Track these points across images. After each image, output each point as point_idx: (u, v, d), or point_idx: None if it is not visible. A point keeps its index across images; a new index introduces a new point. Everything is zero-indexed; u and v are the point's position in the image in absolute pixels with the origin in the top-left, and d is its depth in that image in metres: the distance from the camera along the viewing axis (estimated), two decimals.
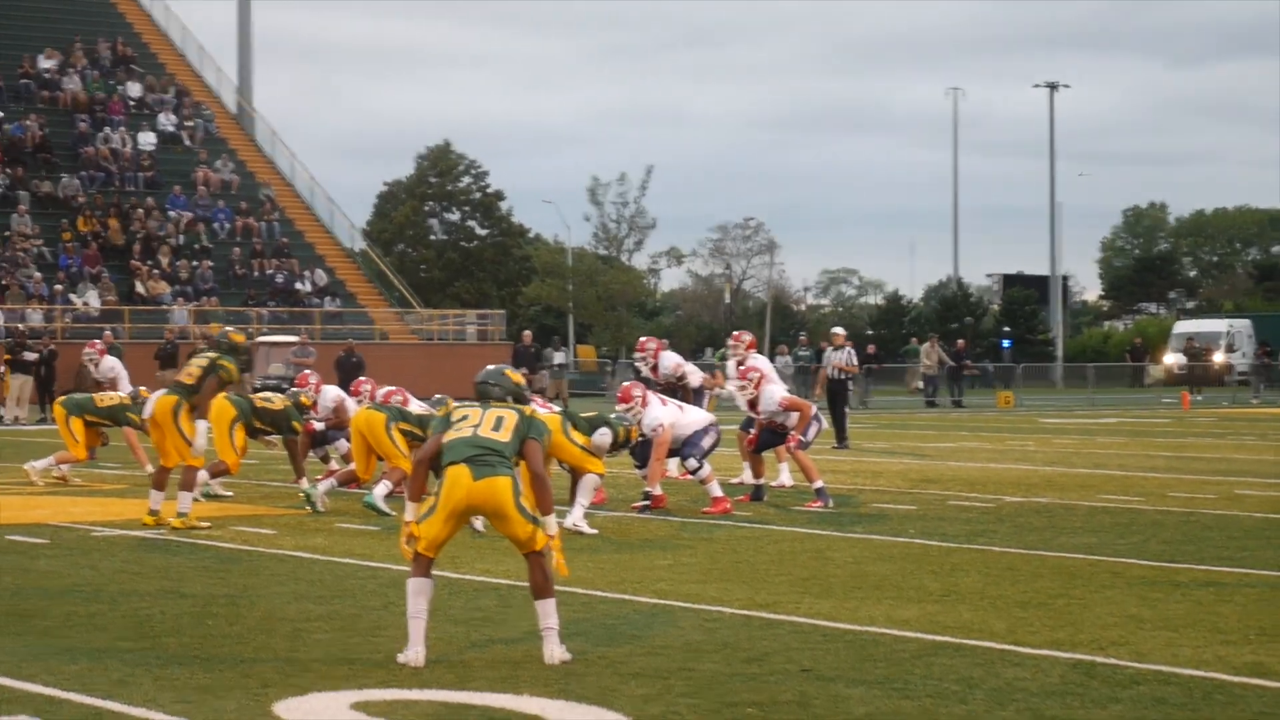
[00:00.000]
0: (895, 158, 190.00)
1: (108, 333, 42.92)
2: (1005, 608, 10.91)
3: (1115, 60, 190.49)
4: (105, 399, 21.16)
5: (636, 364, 21.74)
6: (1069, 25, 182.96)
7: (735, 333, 20.26)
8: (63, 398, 21.51)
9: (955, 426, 37.07)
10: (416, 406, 17.76)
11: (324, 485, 17.47)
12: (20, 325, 46.19)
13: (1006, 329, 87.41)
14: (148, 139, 61.83)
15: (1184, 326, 76.33)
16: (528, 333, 49.05)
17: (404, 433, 16.99)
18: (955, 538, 14.88)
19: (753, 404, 18.46)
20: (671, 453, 17.36)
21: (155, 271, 55.71)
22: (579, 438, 15.83)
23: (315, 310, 56.24)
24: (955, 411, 47.48)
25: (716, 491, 17.10)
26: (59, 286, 53.04)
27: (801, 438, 17.94)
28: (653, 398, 17.20)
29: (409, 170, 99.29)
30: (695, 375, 21.40)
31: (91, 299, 53.28)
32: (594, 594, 11.42)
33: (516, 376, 9.75)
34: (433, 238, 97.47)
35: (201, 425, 16.04)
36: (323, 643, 9.63)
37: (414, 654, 8.94)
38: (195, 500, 16.12)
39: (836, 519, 16.54)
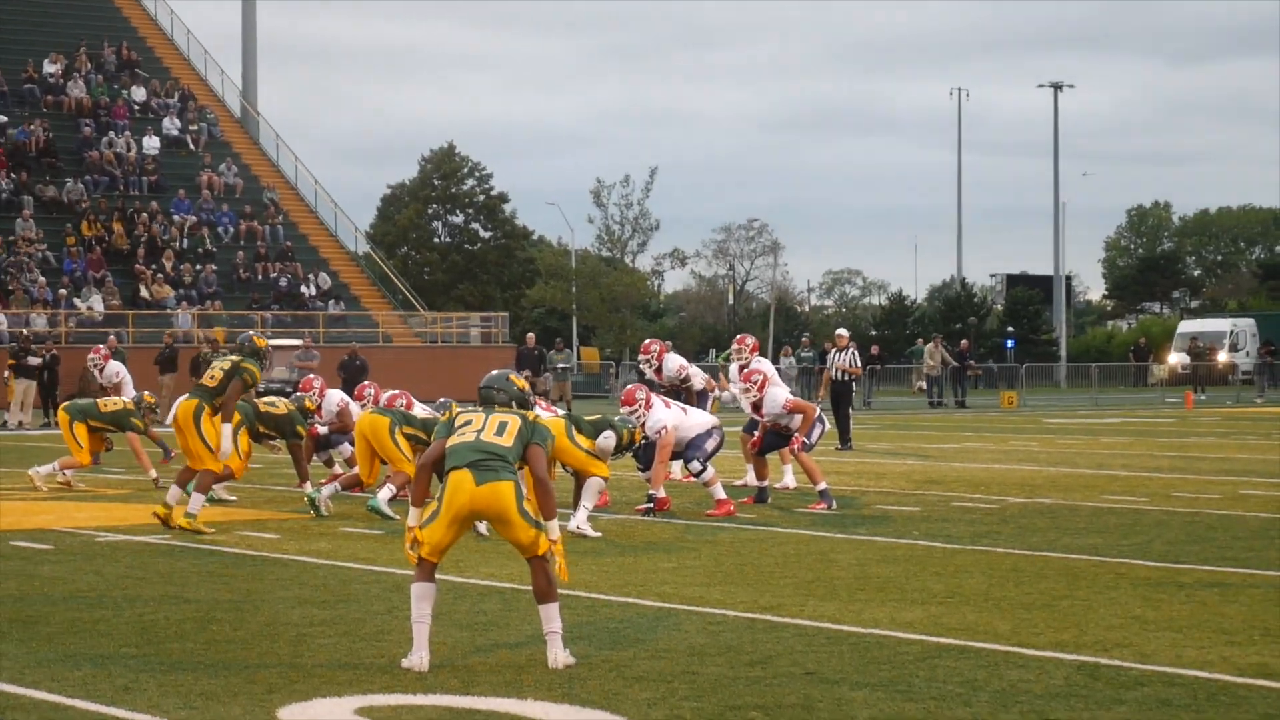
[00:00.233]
0: (899, 158, 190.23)
1: (112, 338, 42.90)
2: (1009, 609, 10.91)
3: (1119, 60, 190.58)
4: (109, 404, 21.18)
5: (640, 366, 21.74)
6: (1073, 25, 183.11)
7: (739, 336, 20.22)
8: (66, 403, 21.53)
9: (959, 427, 37.06)
10: (420, 410, 17.77)
11: (327, 490, 17.47)
12: (24, 330, 46.20)
13: (1010, 329, 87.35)
14: (152, 143, 61.88)
15: (1188, 326, 76.36)
16: (531, 335, 49.05)
17: (408, 437, 16.99)
18: (959, 539, 14.88)
19: (756, 407, 18.46)
20: (675, 455, 17.36)
21: (159, 276, 55.73)
22: (583, 441, 15.83)
23: (319, 314, 56.26)
24: (959, 412, 47.45)
25: (720, 494, 17.10)
26: (63, 291, 53.09)
27: (805, 440, 17.94)
28: (656, 400, 17.20)
29: (413, 173, 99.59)
30: (698, 377, 21.39)
31: (95, 303, 53.30)
32: (598, 597, 11.42)
33: (520, 382, 9.75)
34: (436, 240, 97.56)
35: (226, 428, 16.21)
36: (327, 648, 9.63)
37: (418, 659, 8.95)
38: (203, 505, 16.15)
39: (840, 521, 16.54)
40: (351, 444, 18.82)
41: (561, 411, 17.56)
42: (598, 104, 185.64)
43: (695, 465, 17.08)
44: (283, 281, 57.91)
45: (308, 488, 18.23)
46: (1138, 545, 14.36)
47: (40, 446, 29.39)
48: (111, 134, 61.34)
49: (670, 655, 9.30)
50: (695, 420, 17.32)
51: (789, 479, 19.86)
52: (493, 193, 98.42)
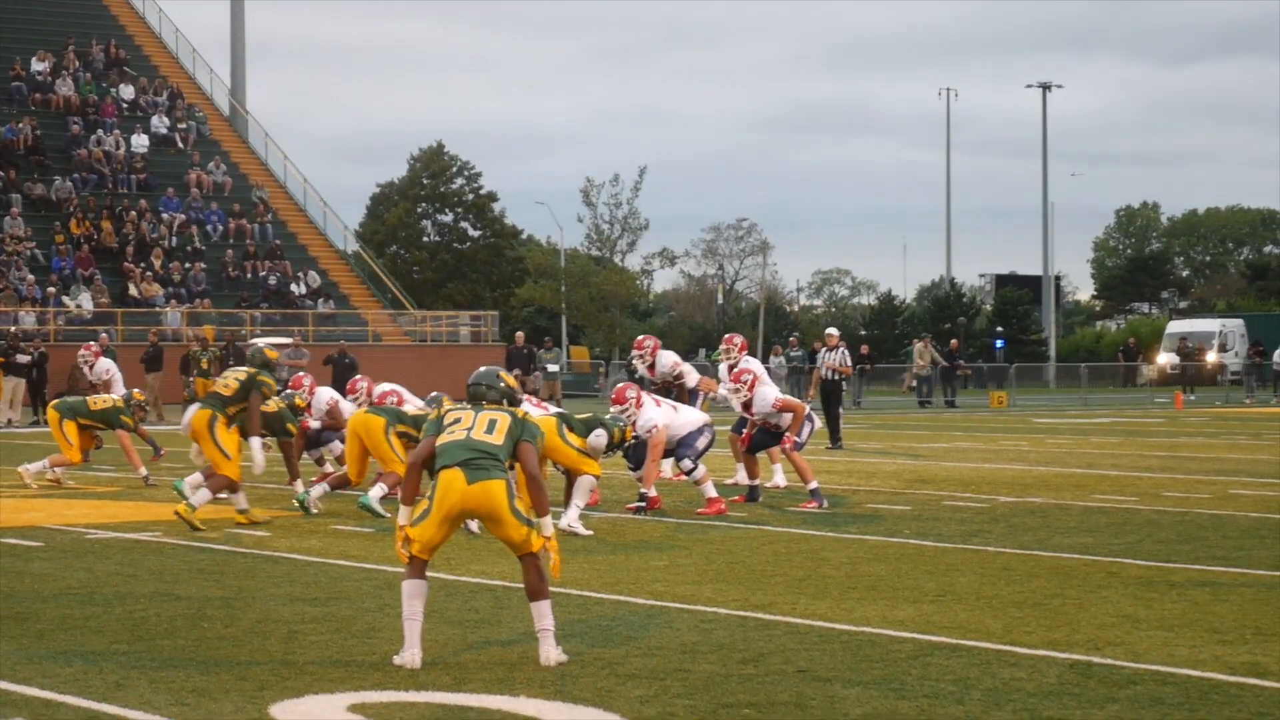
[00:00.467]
0: (888, 158, 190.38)
1: (104, 335, 42.85)
2: (1001, 608, 10.91)
3: (1108, 60, 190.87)
4: (98, 402, 21.14)
5: (633, 362, 21.71)
6: (1061, 25, 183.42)
7: (727, 335, 20.18)
8: (56, 401, 21.49)
9: (949, 427, 37.08)
10: (412, 406, 17.75)
11: (317, 490, 17.42)
12: (13, 328, 46.12)
13: (999, 329, 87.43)
14: (140, 141, 61.80)
15: (1177, 326, 76.43)
16: (520, 334, 49.03)
17: (401, 435, 16.97)
18: (950, 538, 14.88)
19: (747, 406, 18.45)
20: (666, 453, 17.35)
21: (148, 274, 55.68)
22: (574, 439, 15.82)
23: (308, 312, 56.21)
24: (948, 412, 47.48)
25: (711, 492, 17.09)
26: (52, 289, 53.01)
27: (796, 439, 17.94)
28: (647, 399, 17.18)
29: (402, 172, 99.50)
30: (692, 375, 21.38)
31: (84, 301, 53.23)
32: (589, 595, 11.42)
33: (509, 379, 9.73)
34: (426, 239, 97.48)
35: (255, 442, 16.54)
36: (318, 645, 9.62)
37: (411, 656, 8.94)
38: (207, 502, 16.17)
39: (831, 519, 16.53)
40: (342, 441, 18.79)
41: (554, 409, 17.53)
42: (587, 103, 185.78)
43: (687, 464, 17.09)
44: (272, 280, 57.86)
45: (298, 486, 18.21)
46: (1129, 544, 14.37)
47: (30, 444, 29.34)
48: (100, 132, 61.26)
49: (662, 653, 9.30)
50: (686, 418, 17.31)
51: (779, 478, 19.84)
52: (482, 192, 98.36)
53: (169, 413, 39.48)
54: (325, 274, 60.36)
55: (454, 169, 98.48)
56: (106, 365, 25.40)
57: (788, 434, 17.93)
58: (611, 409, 16.88)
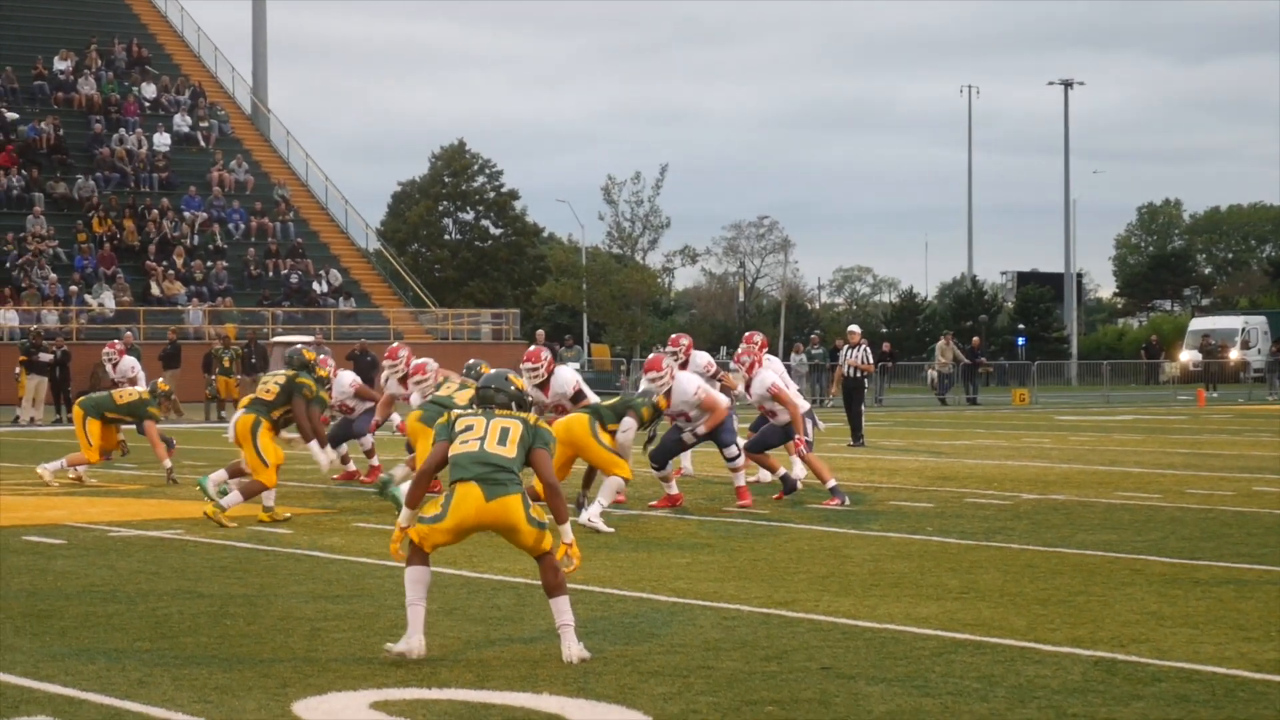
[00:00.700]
0: (909, 156, 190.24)
1: (128, 334, 42.95)
2: (1025, 605, 10.87)
3: (1130, 57, 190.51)
4: (124, 395, 21.20)
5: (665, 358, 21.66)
6: (1083, 22, 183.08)
7: (748, 334, 20.10)
8: (82, 398, 21.55)
9: (971, 424, 37.00)
10: (454, 379, 18.01)
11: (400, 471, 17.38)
12: (35, 326, 46.22)
13: (1021, 326, 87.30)
14: (162, 140, 61.94)
15: (1200, 323, 76.20)
16: (541, 331, 49.03)
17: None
18: (973, 535, 14.84)
19: (747, 387, 18.45)
20: (708, 438, 17.28)
21: (170, 272, 55.79)
22: (606, 439, 15.77)
23: (330, 310, 56.30)
24: (970, 409, 47.40)
25: (740, 481, 17.10)
26: (74, 287, 53.13)
27: (806, 439, 17.85)
28: (681, 372, 17.20)
29: (423, 170, 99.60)
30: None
31: (106, 300, 53.35)
32: (612, 592, 11.40)
33: (519, 381, 9.63)
34: (447, 237, 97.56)
35: (314, 445, 16.75)
36: (341, 642, 9.61)
37: (414, 642, 8.92)
38: (235, 504, 16.15)
39: (854, 517, 16.49)
40: (373, 433, 19.08)
41: (593, 397, 17.41)
42: (609, 101, 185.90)
43: (733, 450, 17.04)
44: (293, 278, 57.94)
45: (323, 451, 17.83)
46: (1153, 542, 14.31)
47: (53, 443, 29.40)
48: (122, 131, 61.40)
49: (685, 650, 9.27)
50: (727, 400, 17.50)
51: (798, 469, 19.75)
52: (503, 190, 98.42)
53: (187, 410, 39.52)
54: (347, 272, 60.43)
55: (475, 167, 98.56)
56: (130, 363, 25.50)
57: (797, 437, 17.76)
58: (646, 376, 16.82)
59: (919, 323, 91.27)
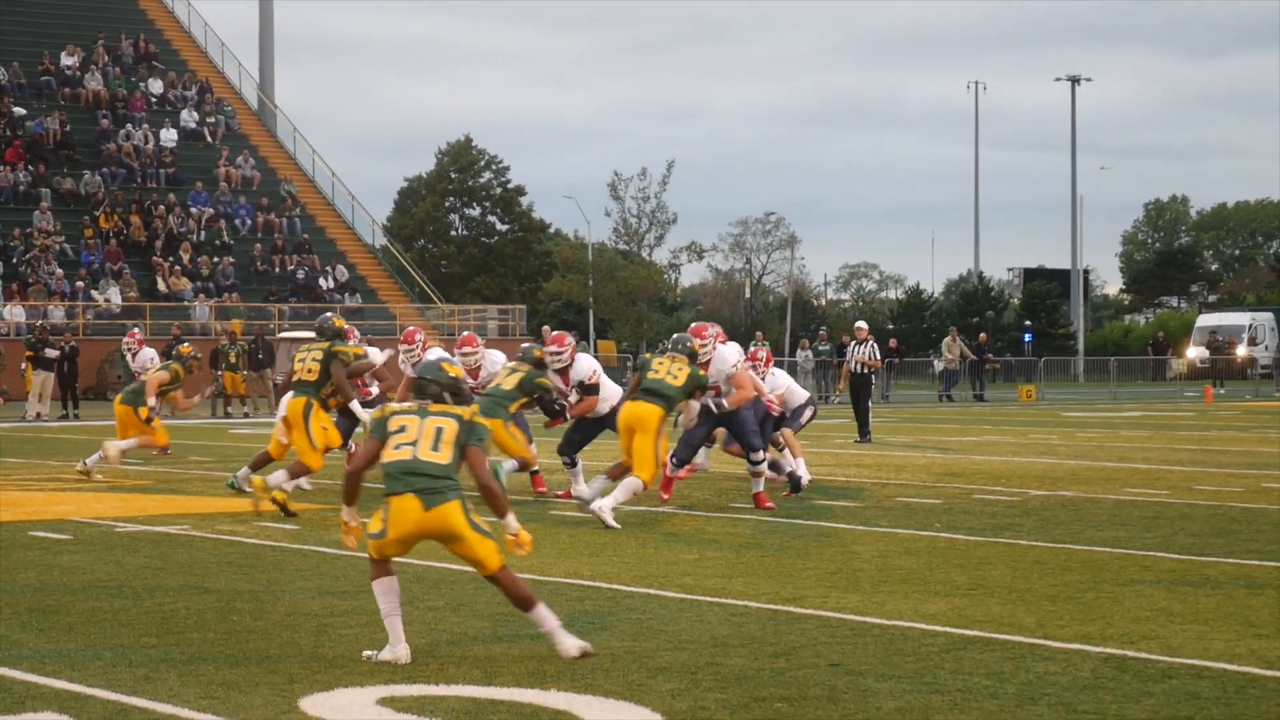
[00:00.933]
0: (916, 152, 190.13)
1: (134, 330, 42.90)
2: (1034, 601, 10.83)
3: (1137, 53, 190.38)
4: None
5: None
6: (1090, 18, 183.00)
7: (757, 333, 20.03)
8: (121, 394, 21.73)
9: (977, 420, 36.96)
10: (493, 362, 18.14)
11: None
12: (42, 322, 46.22)
13: (1028, 323, 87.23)
14: (169, 135, 61.95)
15: (1207, 320, 76.17)
16: (546, 327, 49.01)
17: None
18: (981, 531, 14.80)
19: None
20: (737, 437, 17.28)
21: (177, 268, 55.81)
22: (664, 443, 15.64)
23: (336, 306, 56.27)
24: (977, 405, 47.35)
25: (759, 487, 17.00)
26: (81, 283, 53.16)
27: (794, 420, 18.19)
28: (723, 345, 17.04)
29: (430, 166, 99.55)
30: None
31: (113, 295, 53.37)
32: (619, 589, 11.37)
33: (454, 370, 9.40)
34: (453, 233, 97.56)
35: (355, 405, 17.00)
36: (348, 638, 9.59)
37: (400, 650, 8.85)
38: (284, 488, 16.15)
39: (861, 513, 16.45)
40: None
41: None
42: (615, 98, 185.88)
43: (759, 455, 16.84)
44: (300, 274, 57.94)
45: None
46: (1161, 538, 14.27)
47: (60, 438, 29.40)
48: (129, 126, 61.40)
49: (693, 646, 9.24)
50: (791, 389, 17.53)
51: (802, 470, 19.71)
52: (509, 186, 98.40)
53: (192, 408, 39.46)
54: (353, 268, 60.43)
55: (481, 163, 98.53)
56: (150, 354, 25.73)
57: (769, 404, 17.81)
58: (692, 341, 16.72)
59: (925, 319, 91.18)
